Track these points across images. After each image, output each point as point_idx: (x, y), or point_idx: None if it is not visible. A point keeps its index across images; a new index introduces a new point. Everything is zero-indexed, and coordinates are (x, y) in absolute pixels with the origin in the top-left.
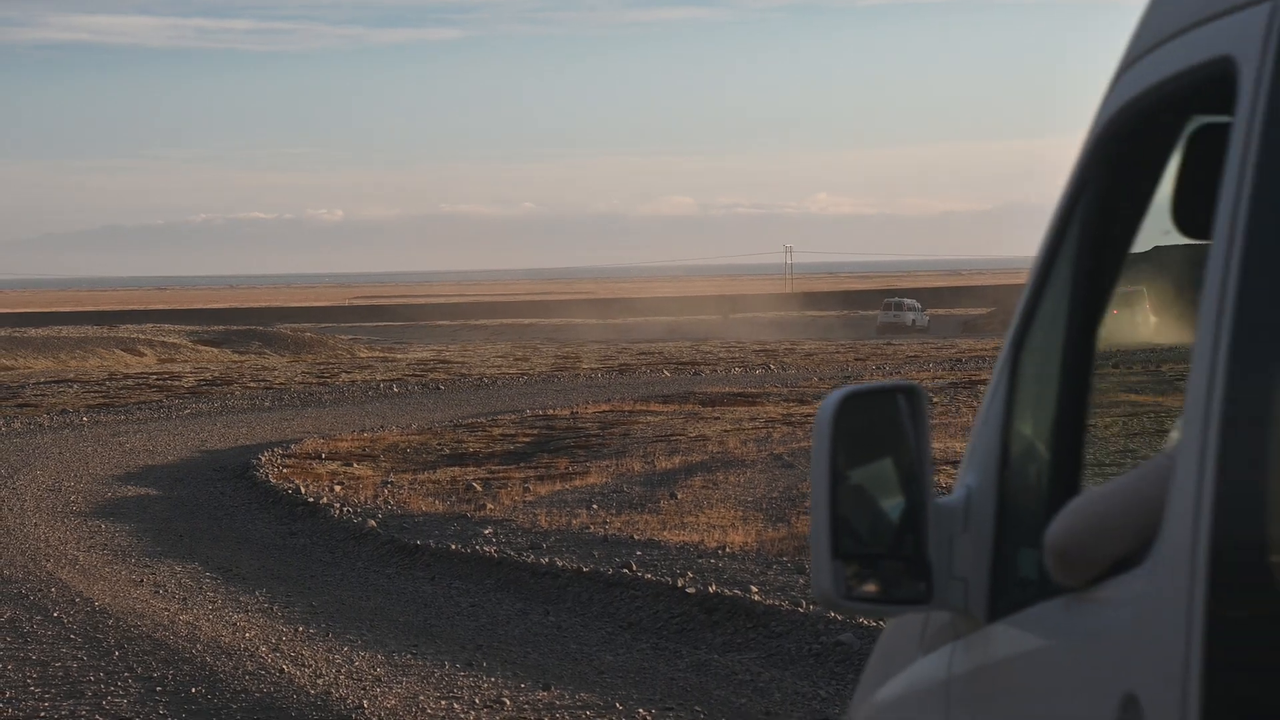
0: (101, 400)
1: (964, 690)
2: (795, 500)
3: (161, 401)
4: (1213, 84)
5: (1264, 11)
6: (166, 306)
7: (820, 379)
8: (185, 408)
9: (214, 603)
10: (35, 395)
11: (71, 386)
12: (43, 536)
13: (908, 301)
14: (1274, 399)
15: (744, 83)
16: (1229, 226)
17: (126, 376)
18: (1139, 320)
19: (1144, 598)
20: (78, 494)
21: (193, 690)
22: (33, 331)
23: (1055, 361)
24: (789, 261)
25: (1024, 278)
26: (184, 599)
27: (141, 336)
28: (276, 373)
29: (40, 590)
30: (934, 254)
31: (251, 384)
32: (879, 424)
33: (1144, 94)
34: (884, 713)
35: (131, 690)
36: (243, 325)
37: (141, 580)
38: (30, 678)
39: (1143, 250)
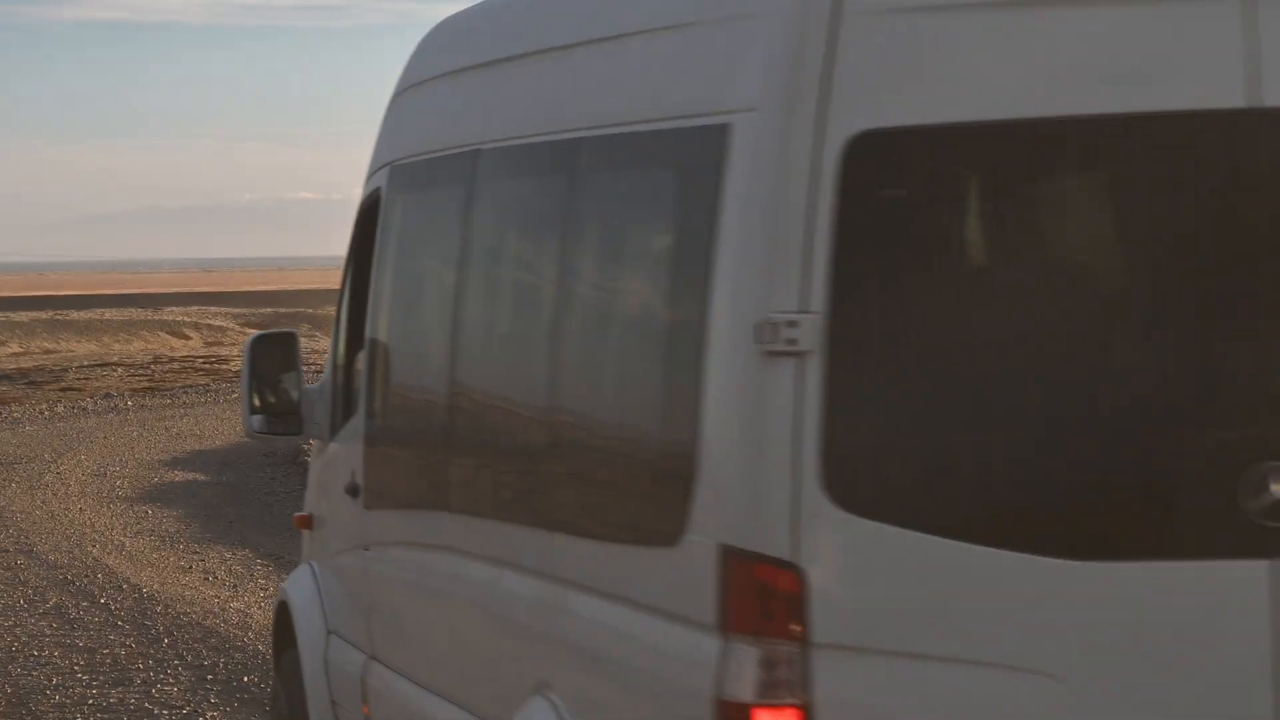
0: (146, 384)
1: (322, 473)
2: None
3: (208, 385)
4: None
5: (386, 170)
6: (212, 289)
7: None
8: (233, 391)
9: (265, 590)
10: (78, 379)
11: (115, 370)
12: (88, 522)
13: None
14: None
15: None
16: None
17: (171, 360)
18: None
19: (355, 427)
20: (124, 479)
21: (245, 679)
22: (75, 314)
23: (345, 317)
24: None
25: None
26: (234, 586)
27: (186, 319)
28: (325, 355)
29: (87, 576)
30: None
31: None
32: (287, 351)
33: (371, 194)
34: (311, 487)
35: (182, 678)
36: (290, 308)
37: (190, 566)
38: (78, 664)
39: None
